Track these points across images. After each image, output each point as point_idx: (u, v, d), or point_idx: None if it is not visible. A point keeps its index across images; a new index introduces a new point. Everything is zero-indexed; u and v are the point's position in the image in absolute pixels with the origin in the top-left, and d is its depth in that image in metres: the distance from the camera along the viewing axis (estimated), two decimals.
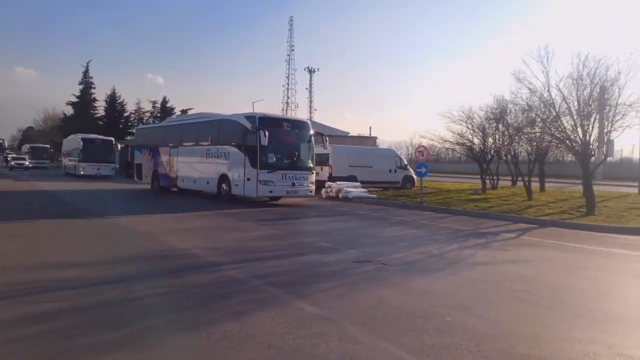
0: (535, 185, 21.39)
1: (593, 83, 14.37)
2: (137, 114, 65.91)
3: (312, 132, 17.67)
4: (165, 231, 10.13)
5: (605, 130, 14.75)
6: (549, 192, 22.32)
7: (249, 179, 15.97)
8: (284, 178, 16.14)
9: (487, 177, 23.84)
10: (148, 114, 66.69)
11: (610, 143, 16.08)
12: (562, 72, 19.00)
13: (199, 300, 5.27)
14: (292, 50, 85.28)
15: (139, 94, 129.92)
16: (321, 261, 7.60)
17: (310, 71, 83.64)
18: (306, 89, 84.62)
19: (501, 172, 25.82)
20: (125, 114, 64.80)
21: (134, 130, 38.45)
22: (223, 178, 17.38)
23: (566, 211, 14.93)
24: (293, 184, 16.32)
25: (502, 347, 4.05)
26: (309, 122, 18.08)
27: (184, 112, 64.25)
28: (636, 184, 23.52)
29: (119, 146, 38.65)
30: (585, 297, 5.91)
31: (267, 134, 15.03)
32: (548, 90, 15.29)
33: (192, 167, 19.46)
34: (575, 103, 14.53)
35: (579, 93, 14.53)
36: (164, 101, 65.36)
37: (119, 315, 4.69)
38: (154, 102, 65.94)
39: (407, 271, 7.11)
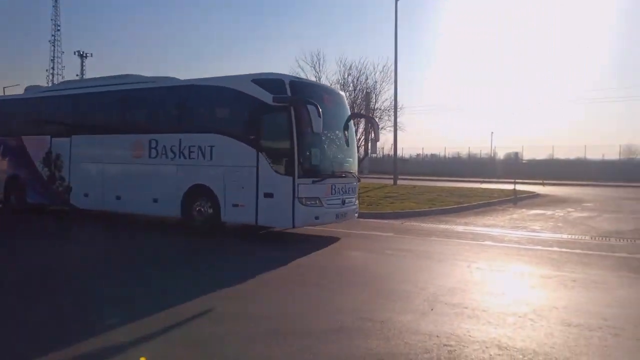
0: None
1: (357, 89, 16.63)
2: None
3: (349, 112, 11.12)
4: None
5: (368, 131, 17.26)
6: None
7: (270, 195, 8.99)
8: (334, 192, 9.50)
9: None
10: None
11: (373, 142, 18.81)
12: (333, 78, 21.26)
13: None
14: (58, 30, 74.53)
15: None
16: None
17: (82, 55, 74.05)
18: (77, 75, 74.73)
19: None
20: None
21: None
22: (197, 192, 9.90)
23: None
24: (343, 202, 9.79)
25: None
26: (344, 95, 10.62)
27: None
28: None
29: None
30: (355, 275, 6.90)
31: (320, 112, 8.36)
32: None
33: (114, 171, 11.41)
34: None
35: (346, 97, 16.59)
36: None
37: None
38: None
39: None
